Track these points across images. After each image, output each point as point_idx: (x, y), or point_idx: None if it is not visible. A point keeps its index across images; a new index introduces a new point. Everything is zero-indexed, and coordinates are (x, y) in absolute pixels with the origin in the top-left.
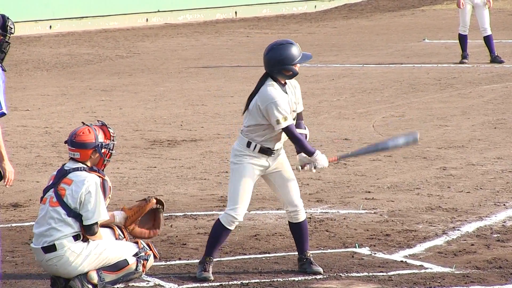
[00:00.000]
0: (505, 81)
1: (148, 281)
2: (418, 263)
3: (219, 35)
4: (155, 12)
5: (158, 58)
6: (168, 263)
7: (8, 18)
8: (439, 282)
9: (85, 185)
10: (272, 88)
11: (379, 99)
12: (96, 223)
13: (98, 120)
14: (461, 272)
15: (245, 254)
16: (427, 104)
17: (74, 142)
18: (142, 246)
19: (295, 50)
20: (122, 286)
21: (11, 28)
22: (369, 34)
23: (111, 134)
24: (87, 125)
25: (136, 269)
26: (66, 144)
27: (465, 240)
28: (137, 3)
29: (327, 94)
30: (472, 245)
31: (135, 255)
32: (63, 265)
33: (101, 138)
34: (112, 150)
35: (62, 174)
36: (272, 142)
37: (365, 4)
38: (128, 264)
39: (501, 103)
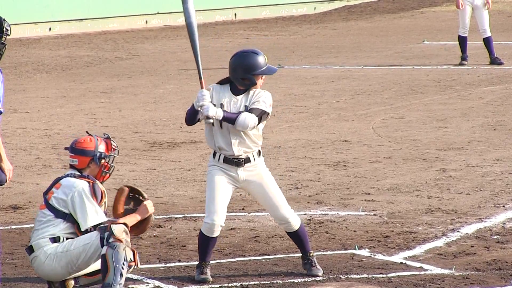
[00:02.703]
0: (504, 83)
1: (148, 283)
2: (417, 264)
3: (218, 37)
4: (155, 14)
5: (157, 60)
6: (167, 265)
7: (4, 20)
8: (439, 284)
9: (72, 192)
10: (215, 84)
11: (378, 101)
12: (95, 227)
13: (104, 133)
14: (461, 273)
15: (244, 256)
16: (427, 105)
17: (74, 148)
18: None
19: (258, 61)
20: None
21: (7, 30)
22: (368, 36)
23: (114, 147)
24: (90, 135)
25: (113, 248)
26: (67, 150)
27: (464, 241)
28: (136, 5)
29: (326, 96)
30: (472, 246)
31: (101, 240)
32: (39, 266)
33: (101, 148)
34: (112, 163)
35: (56, 180)
36: (224, 144)
37: (364, 6)
38: (105, 255)
39: (501, 104)
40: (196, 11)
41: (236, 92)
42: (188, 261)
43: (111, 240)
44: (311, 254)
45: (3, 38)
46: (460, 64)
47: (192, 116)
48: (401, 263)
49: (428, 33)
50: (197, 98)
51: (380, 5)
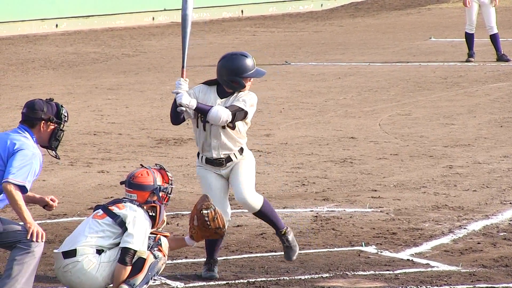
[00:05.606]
0: (511, 80)
1: (155, 279)
2: (424, 261)
3: (225, 34)
4: (162, 10)
5: (164, 57)
6: (174, 261)
7: (62, 106)
8: (446, 281)
9: (133, 213)
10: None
11: (385, 97)
12: (132, 252)
13: (156, 164)
14: (468, 270)
15: (251, 252)
16: (434, 102)
17: (132, 184)
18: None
19: (246, 63)
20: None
21: (65, 116)
22: (375, 32)
23: (169, 177)
24: (145, 167)
25: (155, 258)
26: (123, 185)
27: (471, 238)
28: (143, 2)
29: (333, 92)
30: (479, 243)
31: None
32: (77, 273)
33: (159, 181)
34: (170, 194)
35: (117, 201)
36: (205, 146)
37: (371, 3)
38: (145, 259)
39: (508, 101)
40: (203, 7)
41: (222, 94)
42: (195, 258)
43: (156, 249)
44: (282, 232)
45: (62, 125)
46: (467, 61)
47: (174, 110)
48: (408, 260)
49: (435, 30)
50: (175, 85)
51: (387, 1)
